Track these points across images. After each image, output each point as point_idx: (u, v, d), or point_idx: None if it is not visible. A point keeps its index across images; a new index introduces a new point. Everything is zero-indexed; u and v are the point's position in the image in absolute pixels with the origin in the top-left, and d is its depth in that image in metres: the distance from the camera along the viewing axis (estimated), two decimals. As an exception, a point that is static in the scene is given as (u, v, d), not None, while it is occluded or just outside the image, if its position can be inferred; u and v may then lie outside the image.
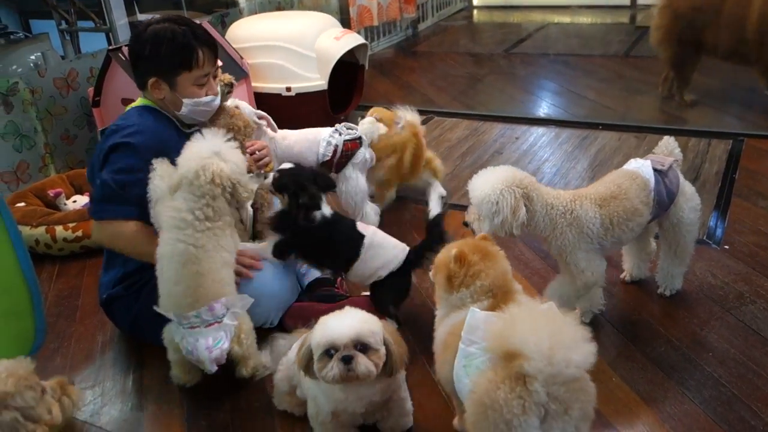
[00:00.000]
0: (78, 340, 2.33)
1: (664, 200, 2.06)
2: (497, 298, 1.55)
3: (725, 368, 1.93)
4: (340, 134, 2.75)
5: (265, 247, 2.18)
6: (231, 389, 2.02)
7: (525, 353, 1.23)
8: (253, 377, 1.99)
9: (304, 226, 2.12)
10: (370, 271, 2.14)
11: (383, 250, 2.14)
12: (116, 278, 2.15)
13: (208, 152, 1.89)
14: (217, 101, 2.18)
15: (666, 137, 2.20)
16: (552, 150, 3.59)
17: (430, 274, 1.72)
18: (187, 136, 2.01)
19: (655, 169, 2.06)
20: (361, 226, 2.20)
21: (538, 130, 3.91)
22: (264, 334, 2.11)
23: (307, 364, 1.56)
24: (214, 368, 1.87)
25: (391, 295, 2.16)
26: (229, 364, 1.95)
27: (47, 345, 2.23)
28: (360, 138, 2.77)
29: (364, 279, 2.17)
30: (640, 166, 2.07)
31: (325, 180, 2.22)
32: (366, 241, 2.13)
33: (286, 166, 2.21)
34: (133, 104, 2.18)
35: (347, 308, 1.59)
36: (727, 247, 2.54)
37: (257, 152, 2.34)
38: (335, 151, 2.71)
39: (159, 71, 2.05)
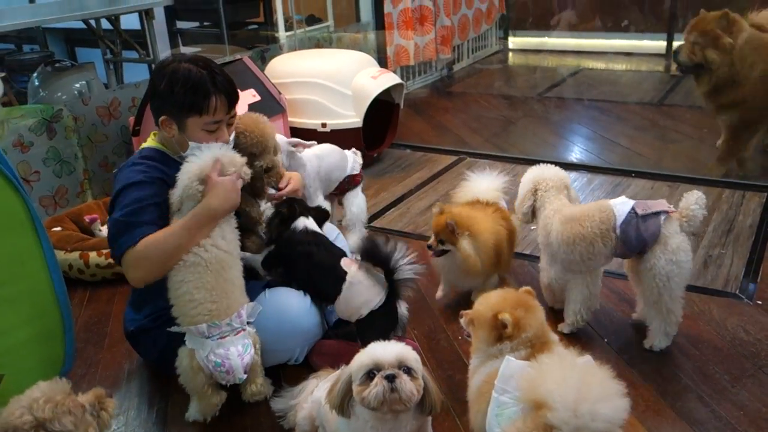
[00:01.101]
0: (105, 368, 2.36)
1: (630, 241, 2.10)
2: (535, 348, 1.55)
3: (757, 428, 1.88)
4: (356, 154, 2.97)
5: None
6: (253, 426, 2.02)
7: (550, 403, 1.23)
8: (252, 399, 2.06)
9: (283, 235, 2.21)
10: (351, 309, 2.09)
11: (363, 287, 2.08)
12: (145, 314, 2.15)
13: (210, 160, 1.95)
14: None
15: (693, 191, 2.12)
16: (584, 196, 3.57)
17: (462, 322, 1.71)
18: None
19: (634, 211, 2.10)
20: (345, 263, 2.16)
21: (570, 175, 3.83)
22: (289, 371, 2.12)
23: (342, 399, 1.52)
24: (245, 376, 1.95)
25: (374, 333, 2.03)
26: (235, 389, 2.02)
27: (74, 370, 2.25)
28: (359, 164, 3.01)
29: (349, 316, 2.12)
30: (619, 203, 2.16)
31: (321, 212, 2.36)
32: (348, 278, 2.09)
33: None
34: (144, 144, 2.15)
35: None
36: (760, 302, 2.49)
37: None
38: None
39: (170, 111, 2.00)
